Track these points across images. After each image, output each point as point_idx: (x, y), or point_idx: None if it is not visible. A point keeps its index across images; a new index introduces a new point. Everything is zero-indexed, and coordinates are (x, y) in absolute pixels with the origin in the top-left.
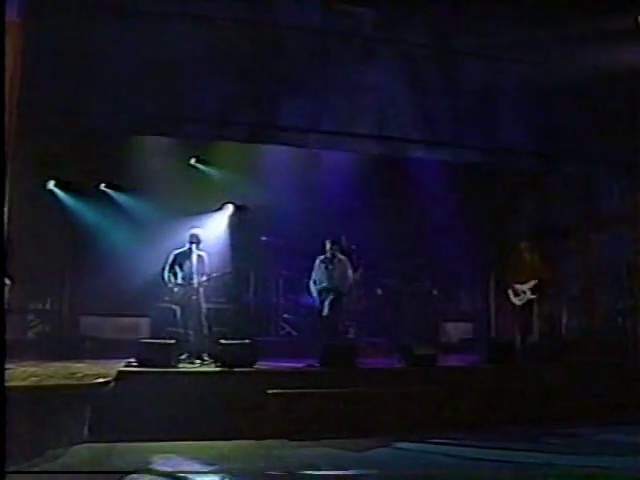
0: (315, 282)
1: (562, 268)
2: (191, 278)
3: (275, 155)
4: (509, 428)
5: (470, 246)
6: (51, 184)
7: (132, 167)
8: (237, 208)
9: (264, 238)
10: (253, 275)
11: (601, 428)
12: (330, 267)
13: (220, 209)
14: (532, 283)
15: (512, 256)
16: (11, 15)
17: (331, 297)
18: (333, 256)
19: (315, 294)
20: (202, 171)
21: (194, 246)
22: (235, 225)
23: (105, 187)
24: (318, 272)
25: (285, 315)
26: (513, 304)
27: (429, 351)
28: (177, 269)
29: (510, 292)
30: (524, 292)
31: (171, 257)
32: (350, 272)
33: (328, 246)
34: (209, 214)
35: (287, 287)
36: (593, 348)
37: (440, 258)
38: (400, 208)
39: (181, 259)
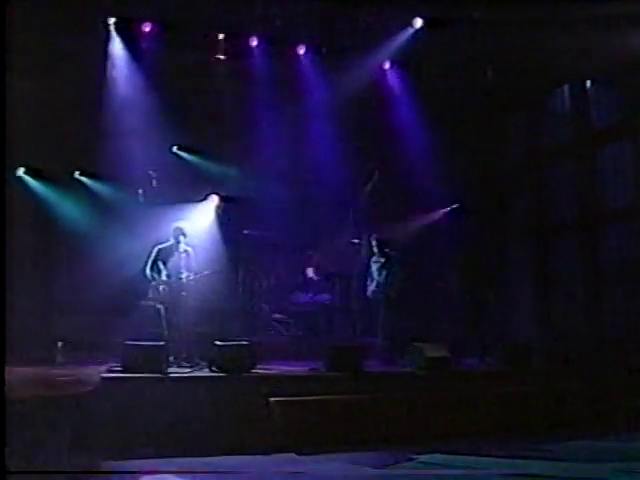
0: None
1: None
2: (177, 275)
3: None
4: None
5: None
6: (20, 171)
7: (108, 153)
8: (222, 199)
9: (246, 232)
10: (240, 271)
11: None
12: (378, 267)
13: (204, 200)
14: None
15: None
16: None
17: (385, 303)
18: (382, 255)
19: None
20: (185, 159)
21: (179, 240)
22: (221, 217)
23: (79, 175)
24: (371, 275)
25: (275, 315)
26: None
27: (443, 353)
28: (160, 265)
29: None
30: None
31: (154, 252)
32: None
33: (374, 246)
34: (193, 205)
35: (276, 285)
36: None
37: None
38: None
39: (164, 254)
